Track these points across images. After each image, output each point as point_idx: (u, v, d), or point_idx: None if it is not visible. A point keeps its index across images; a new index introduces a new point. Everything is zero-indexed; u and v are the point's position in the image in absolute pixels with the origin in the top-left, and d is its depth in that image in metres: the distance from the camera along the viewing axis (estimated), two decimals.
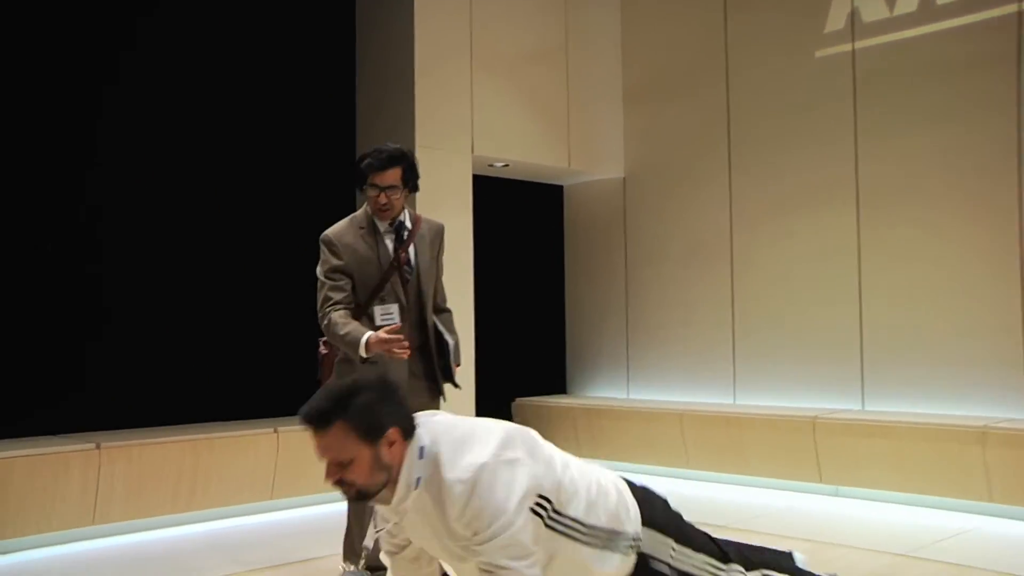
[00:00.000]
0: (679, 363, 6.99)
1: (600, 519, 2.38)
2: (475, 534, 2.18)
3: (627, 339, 7.32)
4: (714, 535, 2.87)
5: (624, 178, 7.36)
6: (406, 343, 3.25)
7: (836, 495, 5.67)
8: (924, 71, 5.76)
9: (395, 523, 2.37)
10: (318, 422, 2.19)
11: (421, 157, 5.98)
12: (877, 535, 4.66)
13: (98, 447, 4.71)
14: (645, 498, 2.53)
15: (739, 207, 6.67)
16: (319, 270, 3.58)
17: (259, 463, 5.26)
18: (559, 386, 7.70)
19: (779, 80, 6.44)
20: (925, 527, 4.82)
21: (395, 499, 2.26)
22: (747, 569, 2.59)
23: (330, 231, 3.62)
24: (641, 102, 7.27)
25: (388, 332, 3.25)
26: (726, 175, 6.73)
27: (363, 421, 2.17)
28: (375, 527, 2.51)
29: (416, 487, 2.24)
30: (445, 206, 5.82)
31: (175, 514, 5.00)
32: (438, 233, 3.75)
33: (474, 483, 2.17)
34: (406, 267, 3.57)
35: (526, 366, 7.36)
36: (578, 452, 3.85)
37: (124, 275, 5.39)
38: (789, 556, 3.03)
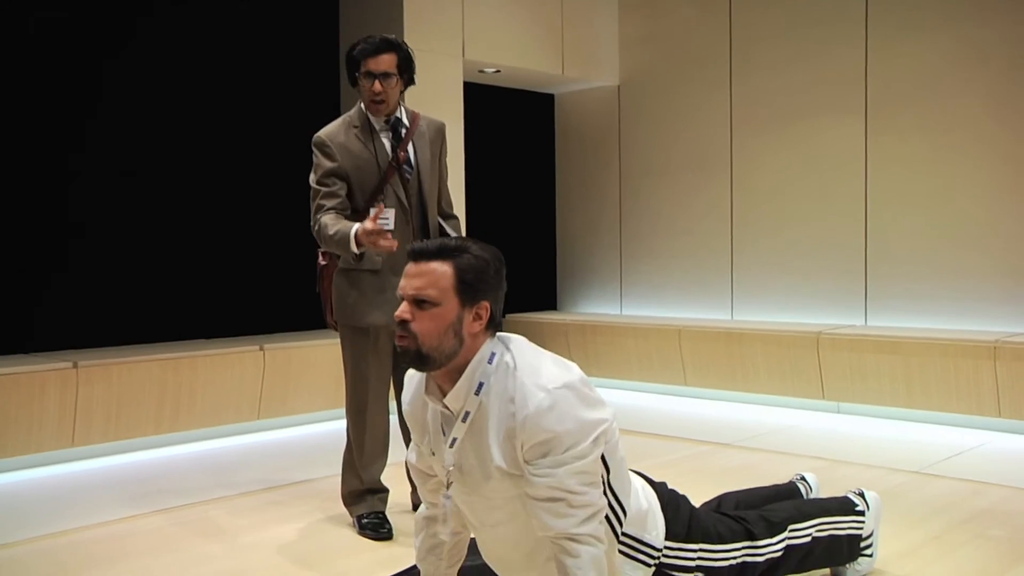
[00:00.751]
0: (674, 278, 6.80)
1: (629, 524, 2.17)
2: (545, 455, 1.91)
3: (620, 253, 7.11)
4: (728, 497, 2.71)
5: (619, 86, 7.06)
6: (391, 237, 2.98)
7: (838, 412, 5.56)
8: None
9: (428, 451, 2.13)
10: (425, 254, 1.98)
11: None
12: (885, 452, 4.54)
13: (75, 366, 4.47)
14: (668, 502, 2.29)
15: (740, 115, 6.41)
16: (312, 177, 3.28)
17: (244, 382, 5.05)
18: (549, 302, 7.51)
19: None
20: (934, 444, 4.71)
21: (451, 400, 2.00)
22: (772, 534, 2.40)
23: (322, 132, 3.31)
24: (637, 4, 6.92)
25: (373, 221, 2.95)
26: (727, 81, 6.45)
27: (467, 275, 1.96)
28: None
29: (477, 393, 1.98)
30: (435, 112, 5.48)
31: (158, 435, 4.80)
32: (439, 132, 3.44)
33: (558, 396, 1.92)
34: (405, 166, 3.28)
35: (515, 281, 7.02)
36: None
37: (100, 184, 5.08)
38: (796, 489, 2.87)
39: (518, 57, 6.38)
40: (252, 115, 5.62)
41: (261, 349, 5.11)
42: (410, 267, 1.98)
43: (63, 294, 4.94)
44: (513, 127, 7.24)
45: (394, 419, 3.42)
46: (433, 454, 2.10)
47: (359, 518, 3.33)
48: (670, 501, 2.30)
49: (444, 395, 2.01)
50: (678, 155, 6.75)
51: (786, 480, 3.00)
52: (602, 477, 2.03)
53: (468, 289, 1.96)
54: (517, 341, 2.07)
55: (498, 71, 6.51)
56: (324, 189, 3.22)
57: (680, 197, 6.75)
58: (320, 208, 3.21)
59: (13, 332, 4.78)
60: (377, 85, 3.19)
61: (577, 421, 1.92)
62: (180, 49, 5.35)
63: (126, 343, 5.09)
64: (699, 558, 2.26)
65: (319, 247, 3.30)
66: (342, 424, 3.56)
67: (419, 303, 1.95)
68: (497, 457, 1.96)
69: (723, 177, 6.51)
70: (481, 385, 1.97)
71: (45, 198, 4.91)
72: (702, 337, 6.02)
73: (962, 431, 4.95)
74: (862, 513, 2.59)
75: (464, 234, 3.48)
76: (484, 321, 1.99)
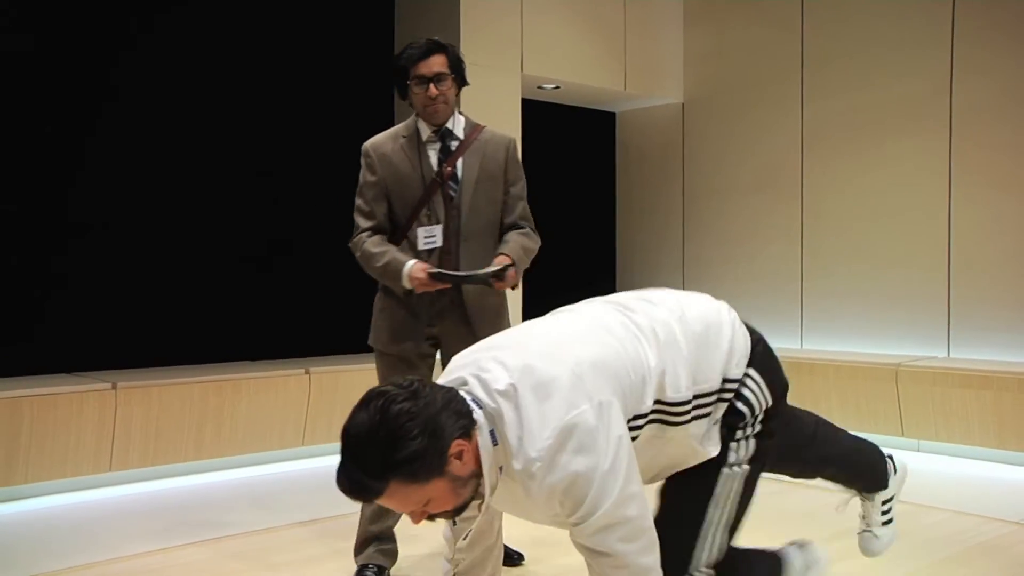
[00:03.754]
0: (739, 304, 6.38)
1: (709, 382, 1.97)
2: (568, 516, 1.74)
3: (683, 277, 6.80)
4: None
5: (683, 103, 6.78)
6: (438, 254, 2.87)
7: (918, 450, 5.17)
8: None
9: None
10: (367, 496, 1.71)
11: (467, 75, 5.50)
12: (977, 498, 4.16)
13: (114, 387, 4.29)
14: (760, 341, 2.13)
15: (812, 134, 6.08)
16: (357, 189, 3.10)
17: (289, 406, 4.83)
18: None
19: None
20: None
21: (486, 502, 1.81)
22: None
23: (369, 141, 3.09)
24: (704, 18, 6.64)
25: (424, 276, 2.83)
26: (798, 98, 6.13)
27: (418, 469, 1.67)
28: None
29: (502, 473, 1.78)
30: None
31: (198, 460, 4.60)
32: (503, 147, 3.11)
33: (549, 466, 1.70)
34: (450, 182, 3.00)
35: (572, 302, 6.87)
36: None
37: (147, 203, 4.93)
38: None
39: (579, 73, 6.15)
40: (303, 131, 5.45)
41: (307, 372, 4.90)
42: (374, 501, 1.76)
43: (104, 313, 4.78)
44: (572, 145, 7.00)
45: None
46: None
47: (358, 570, 3.03)
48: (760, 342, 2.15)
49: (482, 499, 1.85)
50: (745, 176, 6.44)
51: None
52: (676, 419, 1.92)
53: (428, 466, 1.67)
54: (489, 380, 1.80)
55: (557, 87, 6.28)
56: (362, 205, 3.04)
57: (746, 220, 6.43)
58: (357, 228, 3.04)
59: (53, 351, 4.63)
60: (432, 89, 2.95)
61: (575, 479, 1.71)
62: (234, 63, 5.20)
63: (167, 364, 4.91)
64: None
65: None
66: None
67: (418, 512, 1.76)
68: (539, 515, 1.84)
69: (793, 200, 6.18)
70: (501, 468, 1.78)
71: (84, 216, 4.77)
72: None
73: None
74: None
75: (532, 239, 3.14)
76: (469, 447, 1.73)
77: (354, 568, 3.07)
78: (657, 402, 1.89)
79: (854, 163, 5.87)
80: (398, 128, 3.12)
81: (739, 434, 2.01)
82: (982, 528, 3.63)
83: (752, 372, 2.03)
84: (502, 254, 2.97)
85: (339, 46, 5.58)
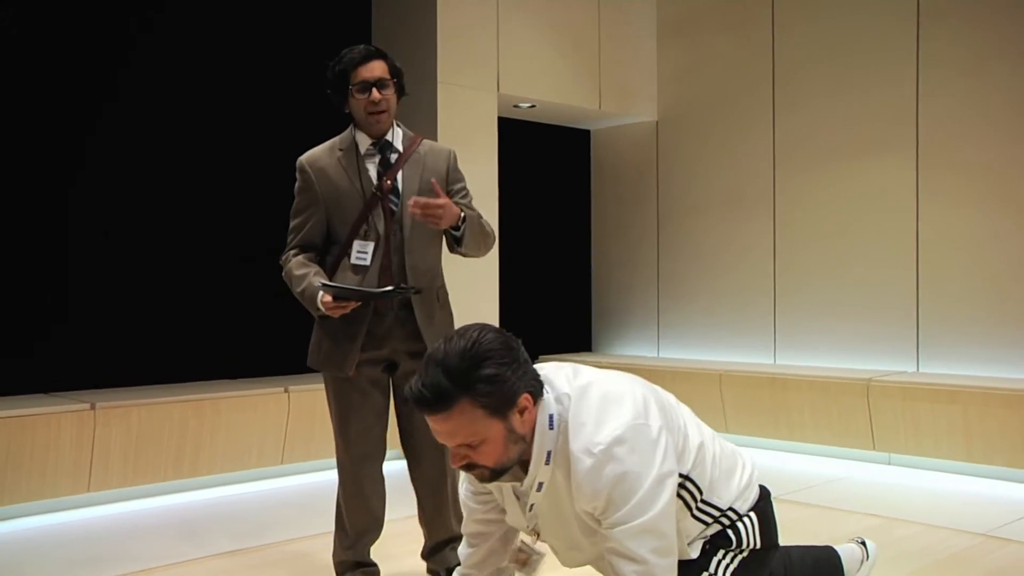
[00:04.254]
0: (713, 321, 6.56)
1: (719, 497, 2.05)
2: (606, 515, 1.81)
3: (658, 294, 6.88)
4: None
5: (657, 121, 6.87)
6: (368, 272, 2.80)
7: (888, 463, 5.26)
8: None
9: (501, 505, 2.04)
10: (436, 405, 1.77)
11: (443, 93, 5.55)
12: (946, 511, 4.24)
13: (92, 407, 4.29)
14: (765, 496, 2.21)
15: (784, 152, 6.19)
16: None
17: (268, 425, 4.85)
18: (584, 343, 7.28)
19: (832, 11, 5.92)
20: (999, 502, 4.41)
21: (527, 480, 1.89)
22: None
23: (304, 155, 2.97)
24: (676, 38, 6.75)
25: (330, 301, 2.74)
26: (769, 117, 6.24)
27: (492, 395, 1.77)
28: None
29: (548, 462, 1.86)
30: (469, 148, 5.35)
31: (178, 480, 4.60)
32: (444, 158, 3.00)
33: (608, 455, 1.79)
34: (391, 196, 2.88)
35: (549, 321, 6.93)
36: None
37: (121, 220, 4.94)
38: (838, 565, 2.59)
39: (554, 91, 6.22)
40: (276, 152, 5.46)
41: (286, 391, 4.92)
42: (428, 419, 1.82)
43: (81, 332, 4.78)
44: (547, 164, 7.06)
45: (401, 466, 3.10)
46: (504, 511, 2.05)
47: None
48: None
49: (520, 480, 1.94)
50: (718, 193, 6.53)
51: (847, 540, 2.73)
52: (690, 507, 1.99)
53: (498, 406, 1.79)
54: (564, 383, 1.93)
55: (533, 106, 6.35)
56: (294, 223, 2.97)
57: (720, 236, 6.52)
58: (287, 246, 2.97)
59: (29, 371, 4.62)
60: (375, 93, 2.86)
61: (629, 475, 1.80)
62: (212, 83, 5.23)
63: (146, 383, 4.91)
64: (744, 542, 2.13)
65: None
66: None
67: (467, 447, 1.82)
68: (574, 516, 1.91)
69: (765, 216, 6.28)
70: (549, 453, 1.87)
71: (63, 234, 4.77)
72: (744, 382, 5.76)
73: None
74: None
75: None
76: (532, 408, 1.84)
77: None
78: (684, 476, 1.97)
79: (825, 180, 5.98)
80: (334, 141, 3.00)
81: (722, 553, 2.09)
82: (951, 541, 3.71)
83: (752, 515, 2.12)
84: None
85: (314, 71, 5.60)
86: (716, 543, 2.08)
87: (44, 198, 4.69)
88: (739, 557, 2.10)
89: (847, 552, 2.50)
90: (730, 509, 2.08)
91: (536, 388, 1.85)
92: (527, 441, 1.85)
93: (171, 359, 5.07)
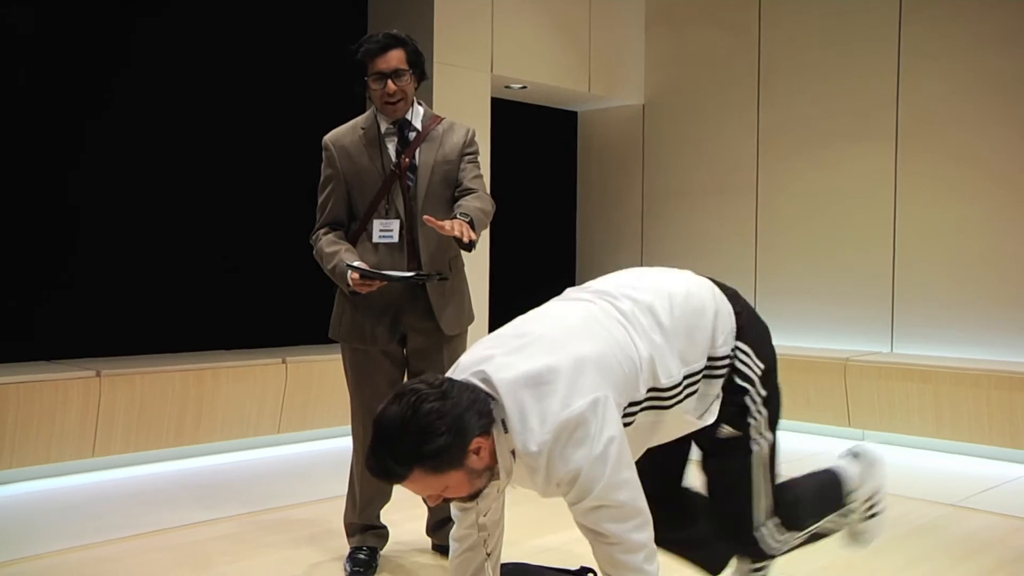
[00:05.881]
0: None
1: (696, 361, 2.13)
2: (565, 495, 1.93)
3: None
4: None
5: (644, 105, 7.02)
6: (393, 250, 2.93)
7: (862, 439, 5.49)
8: None
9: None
10: (392, 479, 1.90)
11: (439, 74, 5.67)
12: (918, 484, 4.47)
13: (98, 375, 4.40)
14: (743, 310, 2.27)
15: (767, 138, 6.37)
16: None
17: (266, 395, 4.98)
18: None
19: (817, 1, 6.08)
20: (967, 476, 4.65)
21: (501, 485, 2.02)
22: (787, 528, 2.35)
23: (329, 134, 3.11)
24: (664, 23, 6.89)
25: (356, 283, 2.84)
26: (754, 103, 6.41)
27: (442, 462, 1.85)
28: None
29: (515, 457, 1.96)
30: None
31: (179, 447, 4.73)
32: (463, 133, 3.10)
33: (548, 456, 1.88)
34: (409, 173, 3.00)
35: (534, 300, 7.06)
36: None
37: (126, 192, 5.03)
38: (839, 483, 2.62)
39: (545, 74, 6.35)
40: (276, 125, 5.57)
41: (283, 362, 5.05)
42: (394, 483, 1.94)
43: (89, 304, 4.88)
44: (536, 144, 7.20)
45: None
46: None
47: (350, 551, 3.18)
48: (744, 309, 2.29)
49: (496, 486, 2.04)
50: (702, 177, 6.70)
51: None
52: (679, 392, 2.08)
53: (450, 459, 1.86)
54: (498, 368, 1.95)
55: (524, 87, 6.48)
56: (321, 200, 3.09)
57: (703, 219, 6.70)
58: (316, 224, 3.09)
59: (37, 339, 4.72)
60: (391, 85, 2.94)
61: (569, 459, 1.87)
62: (207, 59, 5.31)
63: (150, 352, 5.03)
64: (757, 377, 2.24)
65: None
66: None
67: (435, 495, 1.94)
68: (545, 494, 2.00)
69: (748, 200, 6.46)
70: (513, 452, 1.94)
71: (70, 205, 4.86)
72: None
73: (995, 463, 4.89)
74: (850, 499, 2.51)
75: (485, 201, 3.04)
76: (487, 444, 1.91)
77: (341, 549, 3.25)
78: (650, 389, 2.06)
79: (806, 166, 6.16)
80: (358, 120, 3.12)
81: (752, 408, 2.22)
82: (923, 511, 3.93)
83: (741, 345, 2.22)
84: (459, 216, 2.82)
85: (311, 48, 5.70)
86: (738, 402, 2.19)
87: (51, 168, 4.77)
88: (762, 399, 2.22)
89: (843, 470, 2.54)
90: (711, 359, 2.15)
91: (485, 423, 1.89)
92: (492, 466, 1.94)
93: (174, 330, 5.18)
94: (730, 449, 2.24)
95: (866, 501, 2.54)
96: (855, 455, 2.58)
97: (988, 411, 4.91)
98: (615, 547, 1.92)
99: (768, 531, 2.30)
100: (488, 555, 2.19)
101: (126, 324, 5.01)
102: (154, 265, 5.12)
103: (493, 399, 1.92)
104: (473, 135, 3.16)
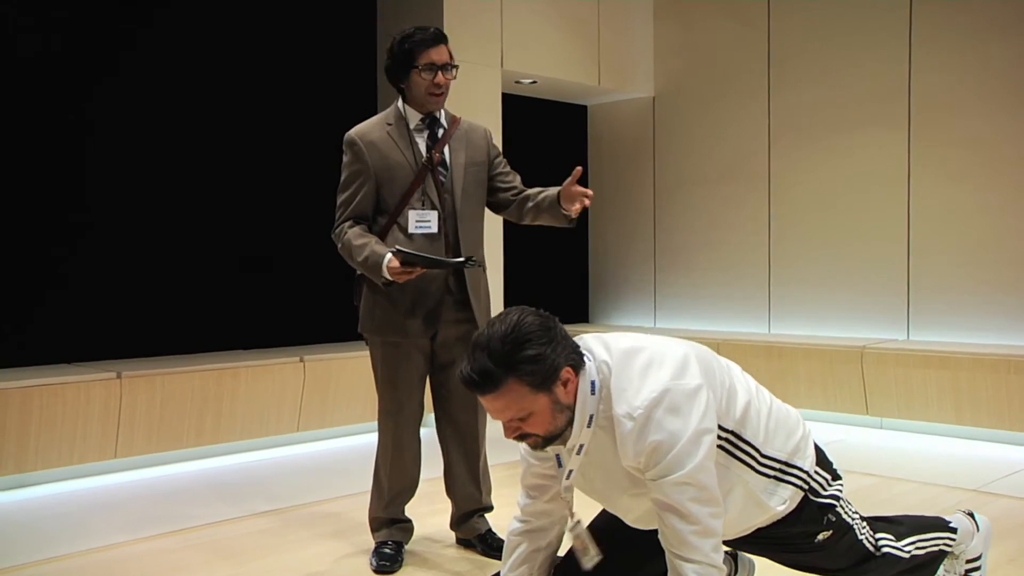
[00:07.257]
0: (709, 291, 6.75)
1: (778, 450, 2.17)
2: (648, 470, 1.97)
3: (655, 265, 7.06)
4: None
5: (654, 97, 7.02)
6: (432, 239, 2.99)
7: (881, 427, 5.49)
8: None
9: (550, 464, 2.18)
10: (485, 386, 1.95)
11: None
12: (938, 470, 4.47)
13: (119, 376, 4.43)
14: (821, 452, 2.35)
15: (778, 127, 6.36)
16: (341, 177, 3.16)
17: (285, 393, 5.00)
18: (581, 314, 7.46)
19: None
20: (988, 462, 4.64)
21: (570, 441, 2.05)
22: (897, 538, 2.38)
23: (354, 129, 3.11)
24: (673, 14, 6.88)
25: (397, 265, 2.86)
26: (765, 92, 6.40)
27: (535, 373, 1.94)
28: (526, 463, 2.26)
29: (589, 425, 2.03)
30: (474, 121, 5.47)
31: (199, 447, 4.75)
32: (483, 135, 3.22)
33: (647, 416, 1.95)
34: (440, 168, 3.07)
35: (548, 292, 7.07)
36: None
37: (143, 194, 5.05)
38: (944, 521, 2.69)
39: (555, 68, 6.35)
40: (292, 123, 5.59)
41: (301, 360, 5.07)
42: (480, 399, 2.01)
43: (109, 306, 4.91)
44: (546, 138, 7.20)
45: (431, 432, 3.25)
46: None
47: (376, 546, 3.19)
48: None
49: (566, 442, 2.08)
50: (714, 167, 6.70)
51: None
52: (725, 448, 2.09)
53: (542, 381, 1.96)
54: (606, 351, 2.09)
55: (534, 82, 6.48)
56: (345, 195, 3.08)
57: (716, 209, 6.70)
58: (339, 218, 3.09)
59: (61, 343, 4.75)
60: (441, 77, 3.01)
61: (668, 432, 1.95)
62: (218, 57, 5.33)
63: (169, 353, 5.05)
64: (839, 501, 2.28)
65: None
66: None
67: (517, 420, 2.00)
68: (623, 473, 2.06)
69: (760, 190, 6.46)
70: (591, 417, 2.03)
71: (88, 209, 4.88)
72: (741, 350, 5.95)
73: (1016, 449, 4.88)
74: (955, 530, 2.52)
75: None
76: (574, 379, 2.01)
77: (366, 544, 3.27)
78: (730, 431, 2.10)
79: (818, 154, 6.16)
80: (383, 115, 3.15)
81: (838, 510, 2.27)
82: (945, 496, 3.93)
83: (820, 470, 2.27)
84: (553, 190, 3.17)
85: (321, 44, 5.72)
86: (827, 511, 2.23)
87: (68, 168, 4.79)
88: (842, 508, 2.26)
89: (958, 521, 2.57)
90: (794, 466, 2.18)
91: (576, 360, 2.01)
92: (572, 409, 2.02)
93: (193, 331, 5.21)
94: (832, 542, 2.26)
95: (970, 561, 2.56)
96: (970, 515, 2.61)
97: (1007, 396, 4.91)
98: (692, 527, 1.95)
99: (887, 545, 2.34)
100: (542, 548, 2.27)
101: (146, 326, 5.04)
102: (172, 267, 5.14)
103: (593, 357, 2.05)
104: (492, 136, 3.29)
